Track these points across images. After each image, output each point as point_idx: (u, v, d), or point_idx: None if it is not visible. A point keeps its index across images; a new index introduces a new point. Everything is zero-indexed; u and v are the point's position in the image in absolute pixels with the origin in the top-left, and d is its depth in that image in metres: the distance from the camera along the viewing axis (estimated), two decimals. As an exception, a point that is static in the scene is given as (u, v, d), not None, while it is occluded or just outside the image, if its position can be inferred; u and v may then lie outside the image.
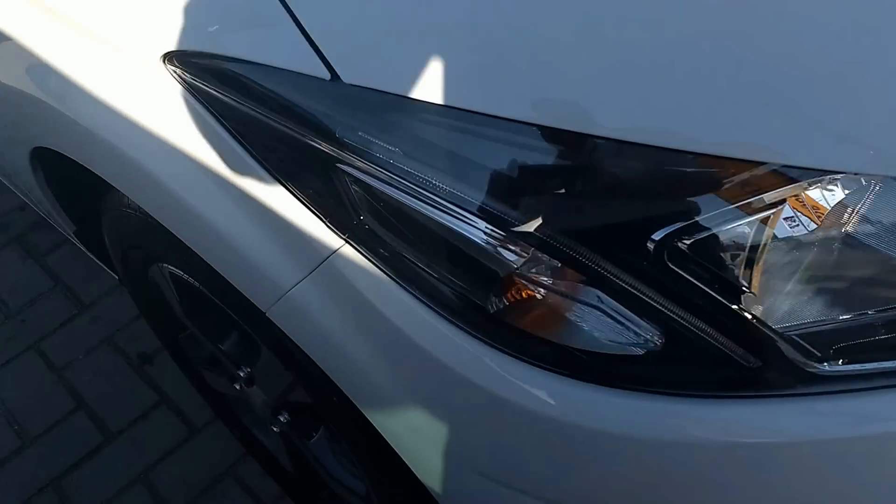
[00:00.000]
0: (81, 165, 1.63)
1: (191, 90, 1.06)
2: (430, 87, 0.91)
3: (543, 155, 0.87)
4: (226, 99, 1.02)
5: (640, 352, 0.93)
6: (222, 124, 1.04)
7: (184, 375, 2.25)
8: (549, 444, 0.97)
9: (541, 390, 0.94)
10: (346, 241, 1.01)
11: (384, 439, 1.22)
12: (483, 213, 0.90)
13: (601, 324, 0.92)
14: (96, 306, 2.55)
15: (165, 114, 1.11)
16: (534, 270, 0.91)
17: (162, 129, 1.13)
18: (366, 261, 1.01)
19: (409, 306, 0.99)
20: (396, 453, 1.25)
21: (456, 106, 0.88)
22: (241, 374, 1.68)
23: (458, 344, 0.97)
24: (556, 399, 0.93)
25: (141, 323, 2.45)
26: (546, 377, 0.95)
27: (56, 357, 2.43)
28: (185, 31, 1.06)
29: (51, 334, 2.49)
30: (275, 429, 1.79)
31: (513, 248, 0.90)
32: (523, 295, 0.95)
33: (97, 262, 2.08)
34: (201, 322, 1.68)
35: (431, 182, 0.91)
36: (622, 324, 0.91)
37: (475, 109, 0.88)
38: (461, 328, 0.97)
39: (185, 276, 1.50)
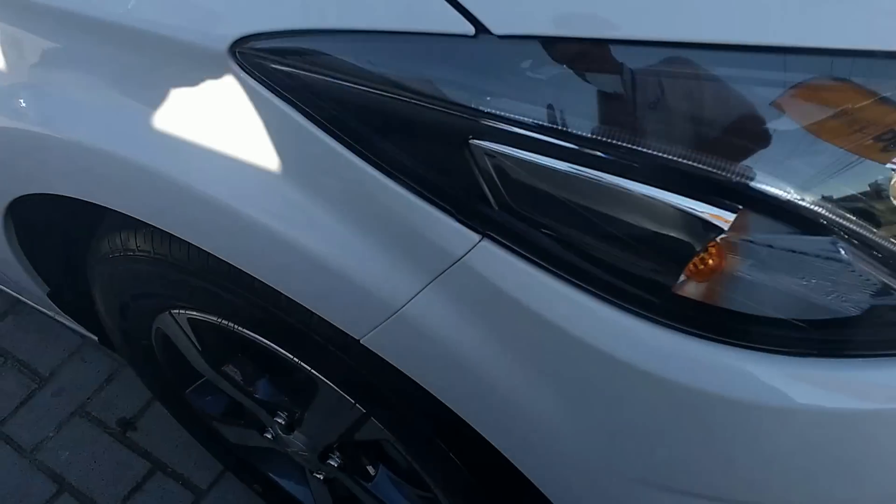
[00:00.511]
0: (62, 216, 1.41)
1: (260, 78, 0.86)
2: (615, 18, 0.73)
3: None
4: (318, 77, 0.82)
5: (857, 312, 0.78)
6: (310, 116, 0.84)
7: (173, 435, 2.05)
8: (768, 437, 0.81)
9: (763, 375, 0.78)
10: (484, 236, 0.83)
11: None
12: (684, 173, 0.73)
13: (817, 286, 0.77)
14: (57, 377, 2.28)
15: (224, 115, 0.91)
16: (744, 234, 0.75)
17: (220, 138, 0.93)
18: (510, 255, 0.83)
19: (575, 301, 0.82)
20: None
21: (663, 40, 0.71)
22: (280, 421, 1.46)
23: (647, 337, 0.80)
24: (784, 383, 0.77)
25: (113, 386, 2.20)
26: (763, 361, 0.78)
27: (23, 439, 2.16)
28: (253, 10, 0.86)
29: (12, 415, 2.22)
30: (318, 476, 1.57)
31: (721, 209, 0.73)
32: (720, 266, 0.78)
33: (70, 324, 1.82)
34: (232, 369, 1.46)
35: (610, 141, 0.74)
36: (844, 281, 0.75)
37: (696, 40, 0.71)
38: (646, 317, 0.80)
39: (216, 320, 1.29)
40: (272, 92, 0.87)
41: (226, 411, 1.65)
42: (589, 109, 0.76)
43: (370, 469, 1.48)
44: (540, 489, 1.05)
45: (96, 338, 1.81)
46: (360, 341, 1.03)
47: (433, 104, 0.81)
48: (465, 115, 0.79)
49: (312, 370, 1.26)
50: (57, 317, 1.86)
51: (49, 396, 2.24)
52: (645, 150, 0.73)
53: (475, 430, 1.09)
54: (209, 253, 1.16)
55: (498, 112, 0.78)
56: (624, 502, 1.00)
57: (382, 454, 1.51)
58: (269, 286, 1.12)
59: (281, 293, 1.12)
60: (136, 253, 1.31)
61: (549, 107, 0.77)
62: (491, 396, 0.96)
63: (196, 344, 1.42)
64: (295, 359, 1.26)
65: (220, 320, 1.31)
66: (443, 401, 1.03)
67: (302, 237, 0.95)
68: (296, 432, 1.49)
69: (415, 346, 0.97)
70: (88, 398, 2.23)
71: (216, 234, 1.03)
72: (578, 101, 0.76)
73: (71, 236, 1.54)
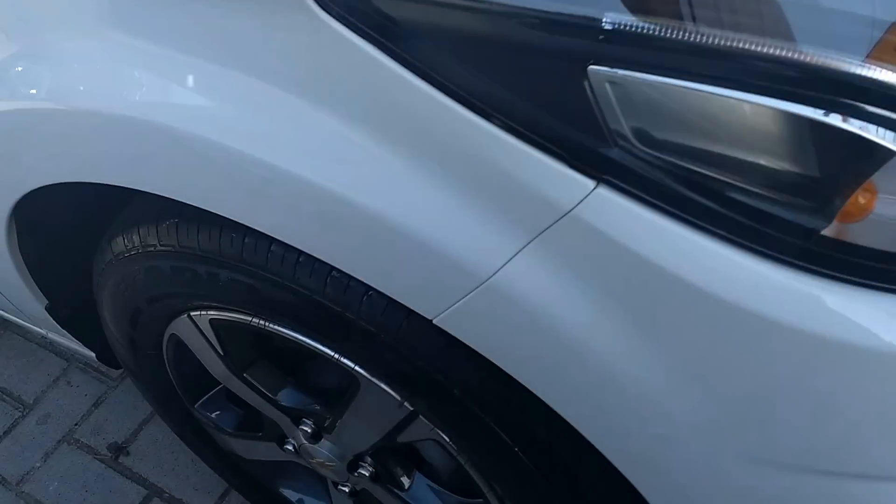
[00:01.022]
0: (68, 217, 1.28)
1: (340, 14, 0.75)
2: None
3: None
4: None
5: None
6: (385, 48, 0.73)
7: (169, 458, 1.96)
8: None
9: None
10: (600, 181, 0.72)
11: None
12: (859, 89, 0.63)
13: None
14: (42, 403, 2.12)
15: (299, 66, 0.79)
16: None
17: (292, 93, 0.81)
18: (631, 202, 0.73)
19: (709, 251, 0.71)
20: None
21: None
22: (306, 429, 1.32)
23: (798, 289, 0.70)
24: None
25: (102, 410, 2.05)
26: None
27: (8, 471, 1.99)
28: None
29: (-6, 446, 2.03)
30: (343, 488, 1.44)
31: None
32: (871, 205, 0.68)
33: (64, 340, 1.66)
34: (256, 374, 1.32)
35: (764, 53, 0.63)
36: None
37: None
38: (796, 266, 0.69)
39: (246, 318, 1.16)
40: (352, 29, 0.76)
41: (240, 424, 1.51)
42: (734, 19, 0.66)
43: (404, 478, 1.35)
44: (634, 484, 0.93)
45: (94, 354, 1.65)
46: (433, 321, 0.91)
47: (545, 25, 0.70)
48: (583, 37, 0.68)
49: (356, 366, 1.13)
50: (49, 334, 1.71)
51: (34, 424, 2.08)
52: (811, 62, 0.63)
53: (552, 426, 0.98)
54: (247, 240, 1.04)
55: (624, 27, 0.67)
56: (731, 487, 0.89)
57: (419, 459, 1.38)
58: (316, 270, 1.00)
59: (329, 277, 1.00)
60: (158, 248, 1.18)
61: (684, 17, 0.66)
62: (589, 373, 0.85)
63: (217, 348, 1.29)
64: (336, 355, 1.13)
65: (251, 318, 1.18)
66: (524, 383, 0.91)
67: (379, 201, 0.83)
68: (323, 440, 1.35)
69: (500, 320, 0.86)
70: (76, 424, 2.07)
71: (276, 207, 0.90)
72: (721, 10, 0.66)
73: (75, 242, 1.40)
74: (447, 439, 1.15)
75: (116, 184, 1.03)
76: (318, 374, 1.37)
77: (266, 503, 1.72)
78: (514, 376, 0.90)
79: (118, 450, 2.01)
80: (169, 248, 1.16)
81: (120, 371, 2.15)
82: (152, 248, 1.19)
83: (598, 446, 0.91)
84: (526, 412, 1.03)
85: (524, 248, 0.79)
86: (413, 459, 1.39)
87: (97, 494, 1.93)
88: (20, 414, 2.09)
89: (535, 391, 0.91)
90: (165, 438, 2.03)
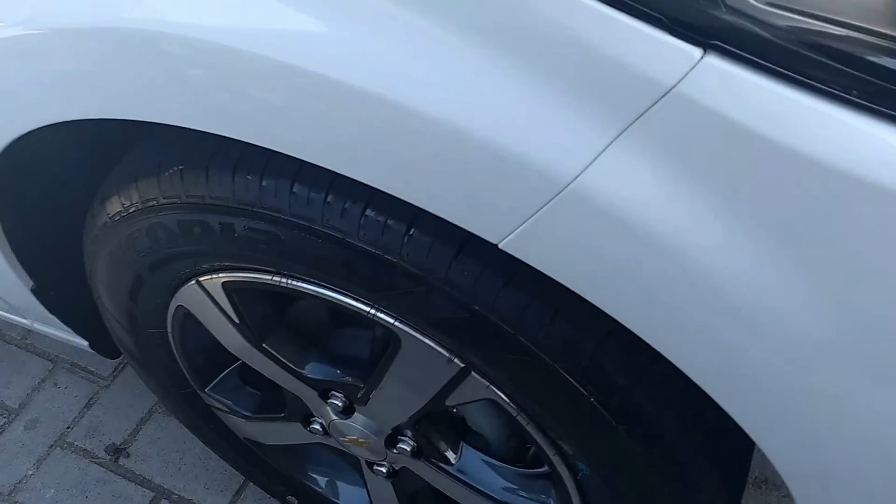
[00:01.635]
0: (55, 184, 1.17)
1: None
2: None
3: None
4: None
5: None
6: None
7: (174, 457, 1.86)
8: None
9: None
10: (707, 48, 0.61)
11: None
12: None
13: None
14: (28, 408, 1.99)
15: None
16: None
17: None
18: (749, 72, 0.61)
19: (855, 128, 0.60)
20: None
21: None
22: (336, 403, 1.21)
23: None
24: None
25: (95, 410, 1.93)
26: None
27: (-1, 481, 1.84)
28: None
29: (-20, 456, 1.90)
30: (380, 469, 1.32)
31: None
32: None
33: (57, 329, 1.53)
34: (277, 344, 1.20)
35: None
36: None
37: None
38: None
39: (266, 277, 1.04)
40: None
41: (259, 406, 1.38)
42: None
43: (449, 452, 1.23)
44: (745, 426, 0.82)
45: (86, 342, 1.53)
46: (498, 246, 0.79)
47: None
48: None
49: (396, 321, 1.01)
50: (35, 324, 1.58)
51: (22, 430, 1.95)
52: None
53: (636, 367, 0.88)
54: (265, 182, 0.93)
55: None
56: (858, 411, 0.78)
57: (464, 431, 1.27)
58: (349, 209, 0.89)
59: (364, 216, 0.89)
60: (161, 202, 1.06)
61: None
62: (697, 291, 0.73)
63: (232, 316, 1.16)
64: (372, 310, 1.02)
65: (272, 276, 1.06)
66: (611, 311, 0.79)
67: (431, 97, 0.71)
68: (355, 415, 1.23)
69: (583, 235, 0.75)
70: (68, 427, 1.94)
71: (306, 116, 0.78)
72: None
73: (62, 211, 1.28)
74: (505, 397, 1.03)
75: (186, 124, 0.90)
76: (346, 341, 1.25)
77: (289, 493, 1.59)
78: (598, 304, 0.79)
79: (117, 451, 1.89)
80: (174, 200, 1.04)
81: (112, 369, 2.03)
82: (154, 203, 1.07)
83: (701, 382, 0.80)
84: (606, 352, 0.91)
85: (614, 140, 0.68)
86: (458, 431, 1.27)
87: (98, 500, 1.81)
88: (5, 420, 1.97)
89: (622, 320, 0.80)
90: (168, 436, 1.91)
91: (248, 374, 1.42)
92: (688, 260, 0.71)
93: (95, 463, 1.88)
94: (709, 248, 0.70)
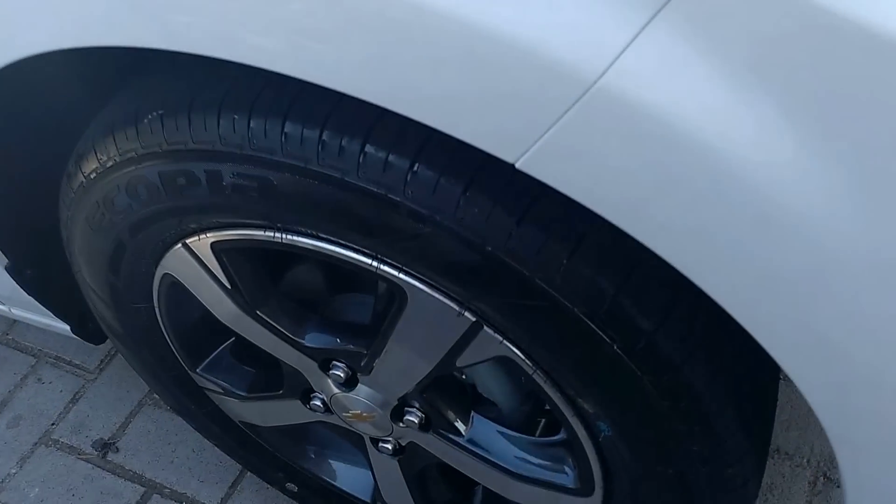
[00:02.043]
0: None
1: None
2: None
3: None
4: None
5: None
6: None
7: (166, 450, 1.78)
8: None
9: None
10: None
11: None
12: None
13: None
14: (11, 405, 1.92)
15: None
16: None
17: None
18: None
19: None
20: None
21: None
22: (338, 374, 1.13)
23: None
24: None
25: (81, 405, 1.87)
26: None
27: (-20, 482, 1.76)
28: None
29: (-39, 456, 1.82)
30: (385, 446, 1.24)
31: None
32: None
33: (38, 314, 1.45)
34: (277, 309, 1.12)
35: None
36: None
37: None
38: None
39: (260, 232, 0.97)
40: None
41: (254, 384, 1.30)
42: None
43: (458, 423, 1.15)
44: (799, 384, 0.75)
45: (68, 327, 1.44)
46: (516, 166, 0.72)
47: None
48: None
49: (400, 273, 0.93)
50: (13, 310, 1.49)
51: (4, 428, 1.88)
52: None
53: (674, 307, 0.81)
54: (253, 123, 0.85)
55: None
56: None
57: (475, 399, 1.19)
58: (346, 148, 0.81)
59: (363, 153, 0.81)
60: (140, 152, 0.98)
61: None
62: (750, 210, 0.65)
63: (223, 280, 1.08)
64: (375, 263, 0.94)
65: (264, 231, 0.98)
66: (646, 241, 0.72)
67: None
68: (359, 386, 1.16)
69: (613, 144, 0.66)
70: (53, 424, 1.86)
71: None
72: None
73: (39, 185, 1.20)
74: (520, 353, 0.95)
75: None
76: (347, 306, 1.17)
77: (288, 480, 1.51)
78: (628, 229, 0.71)
79: (105, 446, 1.81)
80: (154, 150, 0.96)
81: (98, 362, 1.95)
82: (133, 154, 0.99)
83: (754, 331, 0.72)
84: (629, 293, 0.84)
85: (649, 23, 0.60)
86: (467, 399, 1.19)
87: (86, 497, 1.73)
88: (-14, 418, 1.87)
89: (656, 248, 0.72)
90: (159, 429, 1.83)
91: (242, 352, 1.34)
92: (739, 169, 0.63)
93: (82, 459, 1.80)
94: (772, 159, 0.62)
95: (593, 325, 0.87)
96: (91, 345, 1.87)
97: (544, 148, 0.68)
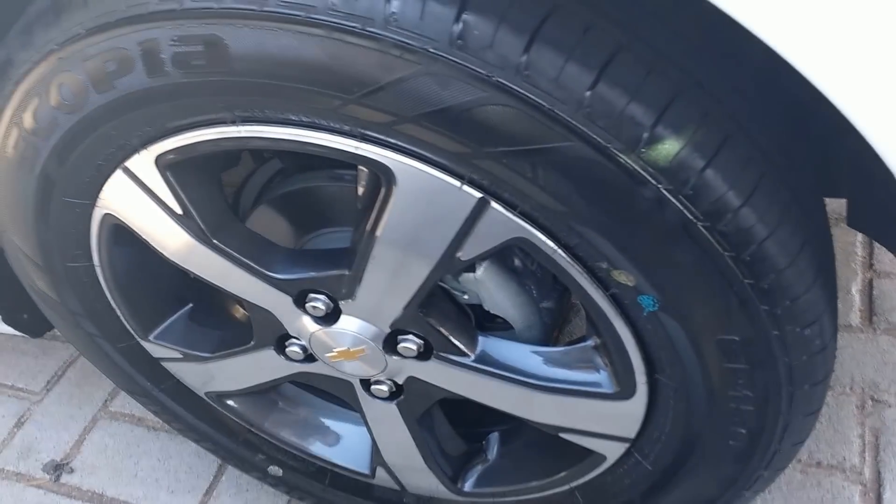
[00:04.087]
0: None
1: None
2: None
3: None
4: None
5: None
6: None
7: (127, 463, 1.57)
8: None
9: None
10: None
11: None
12: None
13: None
14: (-54, 437, 1.64)
15: None
16: None
17: None
18: None
19: None
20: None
21: None
22: (318, 305, 0.94)
23: None
24: None
25: (28, 428, 1.64)
26: None
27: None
28: None
29: None
30: (381, 388, 1.06)
31: None
32: None
33: None
34: (239, 236, 0.94)
35: None
36: None
37: None
38: None
39: (215, 132, 0.80)
40: None
41: (219, 342, 1.10)
42: None
43: (464, 342, 0.96)
44: None
45: (-1, 317, 1.22)
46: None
47: None
48: None
49: (385, 146, 0.75)
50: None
51: (-58, 463, 1.61)
52: None
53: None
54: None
55: None
56: None
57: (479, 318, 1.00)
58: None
59: None
60: (60, 40, 0.78)
61: None
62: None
63: (173, 206, 0.89)
64: (355, 142, 0.76)
65: (217, 127, 0.79)
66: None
67: None
68: (342, 318, 0.96)
69: None
70: (-5, 451, 1.61)
71: None
72: None
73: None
74: (536, 229, 0.77)
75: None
76: (319, 215, 0.99)
77: (270, 463, 1.29)
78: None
79: (57, 468, 1.59)
80: (76, 31, 0.77)
81: (45, 383, 1.73)
82: (52, 46, 0.79)
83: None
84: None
85: None
86: (469, 317, 1.01)
87: (43, 525, 1.48)
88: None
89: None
90: (118, 443, 1.61)
91: (202, 316, 1.14)
92: None
93: (33, 486, 1.57)
94: None
95: (632, 164, 0.70)
96: (35, 367, 1.66)
97: None
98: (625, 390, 0.90)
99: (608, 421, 0.96)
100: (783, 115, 0.76)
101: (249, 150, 1.01)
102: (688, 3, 0.61)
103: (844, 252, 1.64)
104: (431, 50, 0.69)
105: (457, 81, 0.70)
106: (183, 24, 0.74)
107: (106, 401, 1.67)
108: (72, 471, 1.58)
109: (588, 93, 0.69)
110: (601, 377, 0.91)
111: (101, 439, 1.61)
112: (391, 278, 0.90)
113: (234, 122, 0.82)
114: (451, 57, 0.69)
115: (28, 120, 0.87)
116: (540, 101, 0.69)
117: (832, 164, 0.83)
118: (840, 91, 0.59)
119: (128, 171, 0.90)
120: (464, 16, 0.68)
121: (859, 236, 1.65)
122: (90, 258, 1.03)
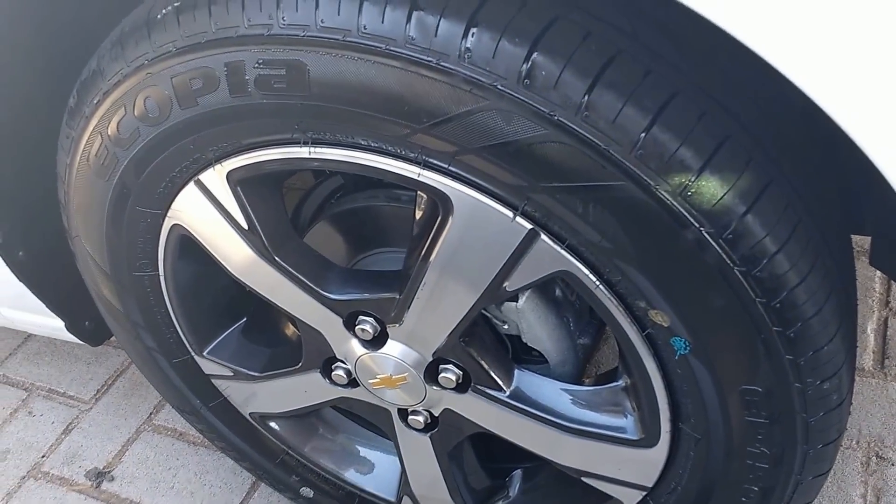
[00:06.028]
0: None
1: None
2: None
3: None
4: None
5: None
6: None
7: (166, 475, 1.57)
8: None
9: None
10: None
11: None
12: None
13: None
14: (-3, 439, 1.67)
15: None
16: None
17: None
18: None
19: None
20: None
21: None
22: (366, 328, 0.95)
23: None
24: None
25: (74, 436, 1.68)
26: None
27: (-34, 519, 1.53)
28: None
29: (-56, 494, 1.60)
30: (417, 419, 1.06)
31: None
32: None
33: (28, 311, 1.26)
34: (299, 252, 0.96)
35: None
36: None
37: None
38: None
39: (287, 151, 0.83)
40: None
41: (269, 362, 1.11)
42: None
43: (501, 377, 0.97)
44: None
45: (63, 323, 1.25)
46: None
47: None
48: None
49: (446, 174, 0.77)
50: (3, 309, 1.30)
51: (-8, 463, 1.63)
52: None
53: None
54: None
55: None
56: None
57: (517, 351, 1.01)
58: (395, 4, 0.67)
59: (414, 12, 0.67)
60: (151, 57, 0.82)
61: None
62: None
63: (240, 220, 0.92)
64: (418, 169, 0.78)
65: (290, 147, 0.82)
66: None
67: None
68: (388, 342, 0.97)
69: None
70: (43, 457, 1.65)
71: None
72: None
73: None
74: (580, 262, 0.78)
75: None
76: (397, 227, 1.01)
77: (303, 484, 1.30)
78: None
79: (99, 476, 1.60)
80: (167, 49, 0.80)
81: (94, 392, 1.75)
82: (143, 61, 0.82)
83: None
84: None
85: None
86: (508, 350, 1.02)
87: (82, 529, 1.49)
88: (-27, 453, 1.65)
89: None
90: (159, 455, 1.62)
91: (254, 332, 1.16)
92: None
93: (74, 490, 1.58)
94: None
95: (677, 206, 0.71)
96: (87, 374, 1.69)
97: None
98: (649, 437, 0.90)
99: (630, 468, 0.95)
100: (814, 153, 0.77)
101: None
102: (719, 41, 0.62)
103: (863, 287, 1.59)
104: (500, 87, 0.71)
105: (520, 118, 0.72)
106: (269, 49, 0.76)
107: (151, 414, 1.68)
108: (112, 479, 1.59)
109: (643, 135, 0.70)
110: (627, 423, 0.91)
111: (143, 450, 1.63)
112: (439, 304, 0.91)
113: (305, 144, 0.84)
114: (517, 94, 0.71)
115: (112, 129, 0.90)
116: (596, 141, 0.71)
117: (859, 201, 0.84)
118: (834, 102, 0.59)
119: (200, 185, 0.93)
120: (533, 56, 0.70)
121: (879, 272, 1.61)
122: (156, 268, 1.05)
